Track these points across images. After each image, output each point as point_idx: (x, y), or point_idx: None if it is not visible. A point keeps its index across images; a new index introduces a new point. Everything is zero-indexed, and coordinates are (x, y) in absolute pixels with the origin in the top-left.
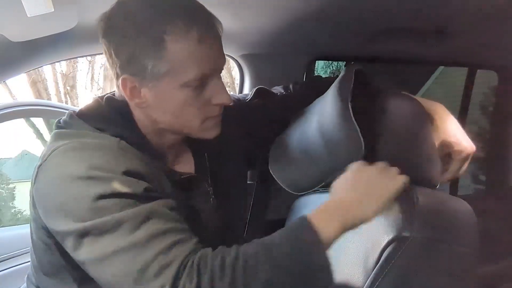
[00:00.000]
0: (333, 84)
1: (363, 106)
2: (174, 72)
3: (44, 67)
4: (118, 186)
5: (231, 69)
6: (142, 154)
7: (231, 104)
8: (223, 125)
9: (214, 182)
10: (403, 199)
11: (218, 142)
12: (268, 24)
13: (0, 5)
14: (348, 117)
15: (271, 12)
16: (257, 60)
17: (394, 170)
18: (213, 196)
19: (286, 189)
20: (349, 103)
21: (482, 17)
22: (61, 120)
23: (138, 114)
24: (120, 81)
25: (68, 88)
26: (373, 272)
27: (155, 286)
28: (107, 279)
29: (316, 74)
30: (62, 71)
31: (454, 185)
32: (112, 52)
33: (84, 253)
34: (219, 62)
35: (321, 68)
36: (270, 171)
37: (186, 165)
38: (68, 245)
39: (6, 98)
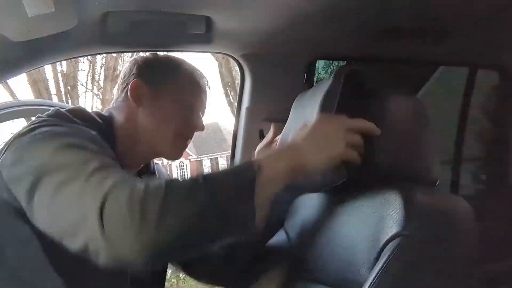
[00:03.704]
0: (319, 97)
1: (359, 104)
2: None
3: (45, 66)
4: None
5: (232, 69)
6: None
7: (202, 130)
8: None
9: None
10: (404, 197)
11: None
12: (268, 24)
13: (0, 5)
14: None
15: (272, 12)
16: (258, 60)
17: (356, 138)
18: None
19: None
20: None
21: (482, 17)
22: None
23: (121, 131)
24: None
25: (69, 87)
26: (373, 269)
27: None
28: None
29: (316, 74)
30: (62, 70)
31: (454, 185)
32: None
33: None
34: (203, 110)
35: (322, 68)
36: None
37: None
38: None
39: (6, 98)
